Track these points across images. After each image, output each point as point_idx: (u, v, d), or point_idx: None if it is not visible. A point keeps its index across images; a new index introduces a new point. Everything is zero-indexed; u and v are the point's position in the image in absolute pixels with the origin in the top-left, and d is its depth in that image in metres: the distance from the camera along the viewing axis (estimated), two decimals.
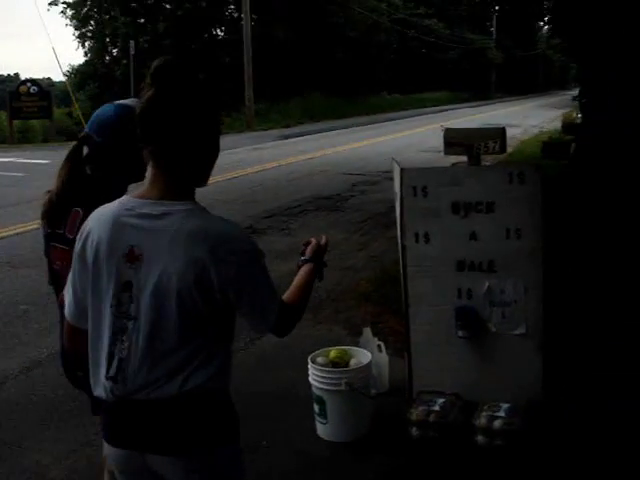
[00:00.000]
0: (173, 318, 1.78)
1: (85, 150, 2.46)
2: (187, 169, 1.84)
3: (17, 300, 6.68)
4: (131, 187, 2.27)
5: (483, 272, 4.00)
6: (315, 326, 5.69)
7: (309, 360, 3.93)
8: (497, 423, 3.59)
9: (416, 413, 3.75)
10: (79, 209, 2.29)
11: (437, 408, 3.75)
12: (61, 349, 2.48)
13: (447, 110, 39.34)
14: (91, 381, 1.91)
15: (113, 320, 1.83)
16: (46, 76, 64.15)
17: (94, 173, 2.44)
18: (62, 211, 2.34)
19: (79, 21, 35.53)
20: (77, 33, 36.01)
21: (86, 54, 36.07)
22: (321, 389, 3.82)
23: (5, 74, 61.33)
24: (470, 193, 3.97)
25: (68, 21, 35.87)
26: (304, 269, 2.19)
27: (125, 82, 29.93)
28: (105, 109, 2.53)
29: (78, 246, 1.90)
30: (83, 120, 28.51)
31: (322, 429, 3.89)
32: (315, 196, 12.14)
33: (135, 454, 1.87)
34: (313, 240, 2.29)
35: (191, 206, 1.82)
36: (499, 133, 4.55)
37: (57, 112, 29.29)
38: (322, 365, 3.88)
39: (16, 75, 52.93)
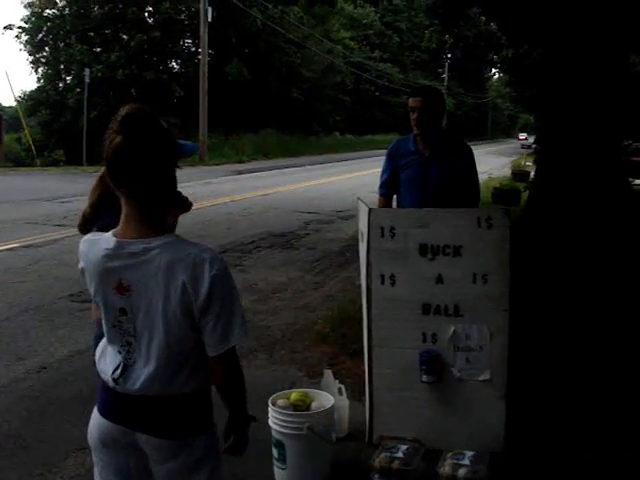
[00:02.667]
0: (162, 338, 2.09)
1: None
2: (155, 205, 2.10)
3: None
4: None
5: (449, 316, 3.94)
6: (271, 366, 5.56)
7: (269, 402, 3.79)
8: (462, 472, 3.50)
9: (378, 460, 3.64)
10: (96, 227, 2.59)
11: (400, 455, 3.65)
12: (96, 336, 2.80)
13: None
14: (99, 363, 2.25)
15: (118, 336, 2.17)
16: None
17: None
18: (92, 225, 2.64)
19: (33, 47, 35.08)
20: (31, 58, 35.59)
21: (39, 80, 35.57)
22: (281, 433, 3.68)
23: None
24: (438, 236, 3.92)
25: (22, 46, 35.44)
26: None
27: (78, 110, 29.58)
28: None
29: (80, 266, 2.22)
30: (33, 146, 28.14)
31: (280, 475, 3.75)
32: (269, 233, 12.06)
33: (126, 430, 2.18)
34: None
35: (167, 239, 2.09)
36: None
37: (6, 137, 28.80)
38: (283, 408, 3.75)
39: None
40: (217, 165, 27.60)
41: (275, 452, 3.74)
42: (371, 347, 4.07)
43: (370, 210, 4.02)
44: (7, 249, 10.00)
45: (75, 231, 3.00)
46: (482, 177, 23.26)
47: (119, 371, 2.17)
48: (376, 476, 3.62)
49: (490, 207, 11.55)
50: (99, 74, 30.91)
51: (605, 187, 7.47)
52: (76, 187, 16.66)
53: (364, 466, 3.73)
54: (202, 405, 2.22)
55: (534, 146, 17.06)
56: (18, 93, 37.33)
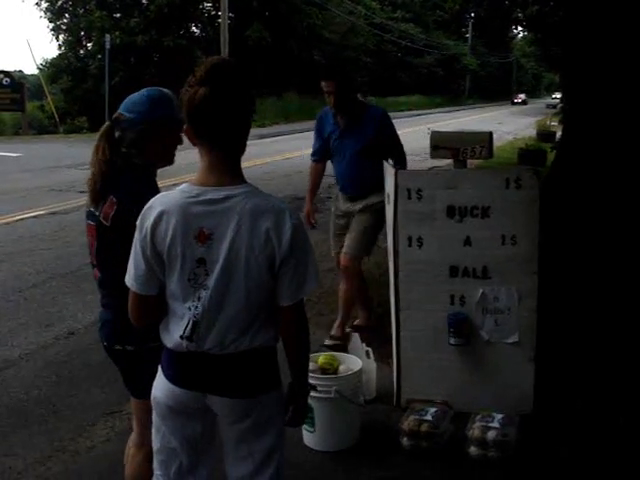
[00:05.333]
0: (241, 285, 2.08)
1: (117, 133, 2.58)
2: (238, 155, 2.13)
3: None
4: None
5: (477, 278, 3.90)
6: None
7: None
8: (491, 434, 3.49)
9: (407, 423, 3.63)
10: (114, 198, 2.49)
11: (429, 418, 3.64)
12: (106, 321, 2.69)
13: (421, 115, 39.41)
14: (163, 336, 2.20)
15: (191, 291, 2.11)
16: (17, 69, 63.43)
17: (130, 158, 2.57)
18: (102, 193, 2.54)
19: (54, 14, 34.97)
20: (51, 26, 35.51)
21: (60, 47, 35.53)
22: (310, 396, 3.67)
23: None
24: (466, 197, 3.87)
25: (42, 13, 35.35)
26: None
27: (100, 76, 29.53)
28: (137, 93, 2.62)
29: (146, 233, 2.10)
30: (56, 114, 28.19)
31: (309, 438, 3.76)
32: (293, 196, 11.99)
33: (198, 395, 2.19)
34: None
35: (248, 188, 2.10)
36: (486, 138, 4.40)
37: (29, 105, 28.88)
38: (311, 371, 3.73)
39: None
40: None
41: None
42: (398, 310, 4.05)
43: (397, 172, 3.96)
44: (33, 216, 10.06)
45: None
46: (507, 137, 22.94)
47: (189, 328, 2.12)
48: (405, 439, 3.62)
49: (518, 167, 11.39)
50: (118, 40, 30.77)
51: (635, 146, 7.32)
52: None
53: (393, 429, 3.73)
54: (271, 361, 2.23)
55: (560, 105, 16.80)
56: (40, 61, 37.37)
